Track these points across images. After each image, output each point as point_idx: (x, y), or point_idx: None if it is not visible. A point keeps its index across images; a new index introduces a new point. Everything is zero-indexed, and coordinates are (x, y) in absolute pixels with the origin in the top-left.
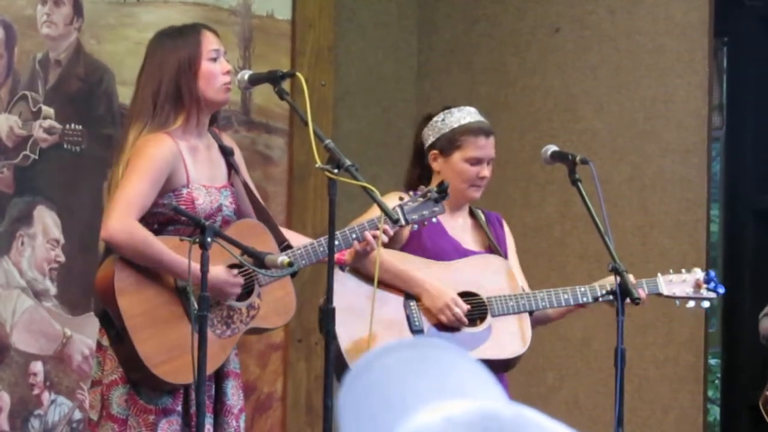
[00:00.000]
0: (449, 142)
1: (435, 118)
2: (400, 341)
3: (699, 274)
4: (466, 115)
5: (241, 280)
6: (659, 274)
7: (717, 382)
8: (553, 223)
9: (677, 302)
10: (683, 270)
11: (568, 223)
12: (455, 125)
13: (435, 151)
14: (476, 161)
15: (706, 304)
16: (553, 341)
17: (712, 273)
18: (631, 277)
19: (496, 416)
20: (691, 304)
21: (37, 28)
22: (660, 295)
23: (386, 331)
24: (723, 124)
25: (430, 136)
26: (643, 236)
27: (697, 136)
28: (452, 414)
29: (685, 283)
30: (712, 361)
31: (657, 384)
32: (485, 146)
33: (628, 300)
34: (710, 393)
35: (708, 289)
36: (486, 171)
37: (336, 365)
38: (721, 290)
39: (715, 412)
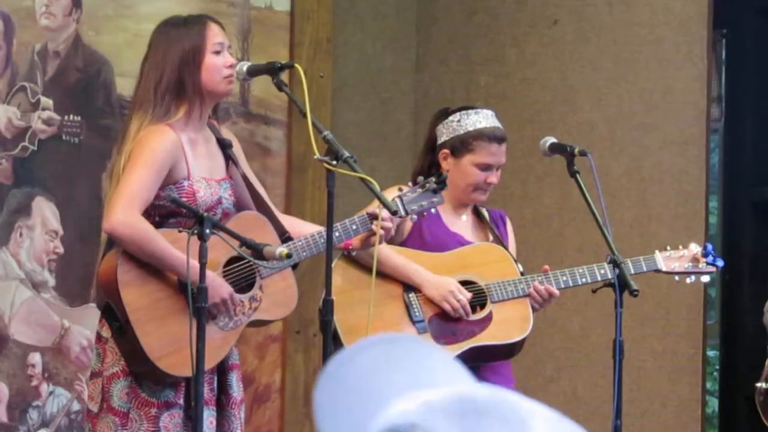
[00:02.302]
0: (462, 144)
1: (451, 117)
2: (372, 338)
3: (696, 248)
4: (482, 119)
5: (237, 299)
6: (657, 251)
7: (715, 374)
8: (551, 215)
9: (677, 278)
10: (680, 246)
11: (567, 215)
12: (470, 128)
13: (446, 150)
14: (486, 167)
15: (705, 278)
16: (552, 333)
17: (710, 246)
18: (629, 264)
19: (472, 398)
20: (691, 278)
21: (36, 19)
22: (659, 271)
23: (386, 323)
24: (722, 116)
25: (443, 134)
26: (642, 228)
27: (696, 128)
28: (429, 399)
29: (683, 258)
30: (711, 353)
31: (655, 376)
32: (497, 153)
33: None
34: (708, 385)
35: (707, 263)
36: (494, 177)
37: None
38: (720, 263)
39: (714, 404)
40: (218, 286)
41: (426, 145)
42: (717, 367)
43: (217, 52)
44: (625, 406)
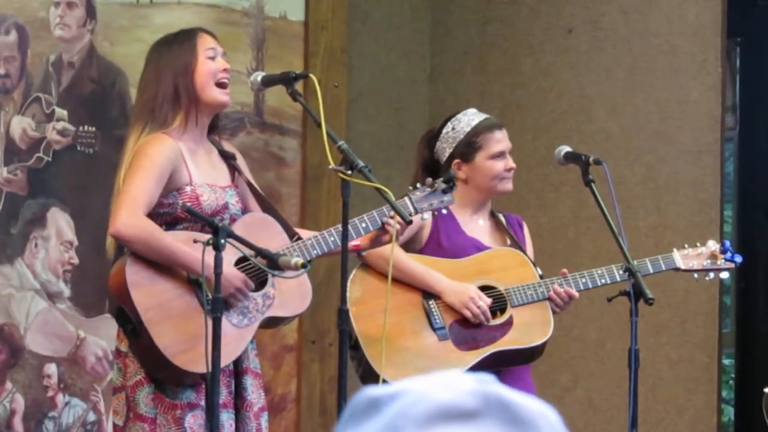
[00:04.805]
0: (468, 146)
1: (444, 131)
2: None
3: (714, 245)
4: (472, 116)
5: (251, 284)
6: (675, 250)
7: (731, 382)
8: (567, 224)
9: (695, 276)
10: (698, 243)
11: (582, 224)
12: (467, 128)
13: (457, 160)
14: (499, 155)
15: (724, 275)
16: (568, 342)
17: (728, 243)
18: (647, 263)
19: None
20: (710, 276)
21: (50, 30)
22: (677, 269)
23: (407, 331)
24: (736, 125)
25: (445, 148)
26: (657, 237)
27: (711, 136)
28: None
29: (701, 256)
30: (726, 362)
31: (671, 384)
32: (502, 138)
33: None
34: (724, 393)
35: (725, 260)
36: (511, 162)
37: (360, 367)
38: (739, 259)
39: (729, 412)
40: (227, 277)
41: (422, 167)
42: (732, 375)
43: (211, 58)
44: (641, 415)
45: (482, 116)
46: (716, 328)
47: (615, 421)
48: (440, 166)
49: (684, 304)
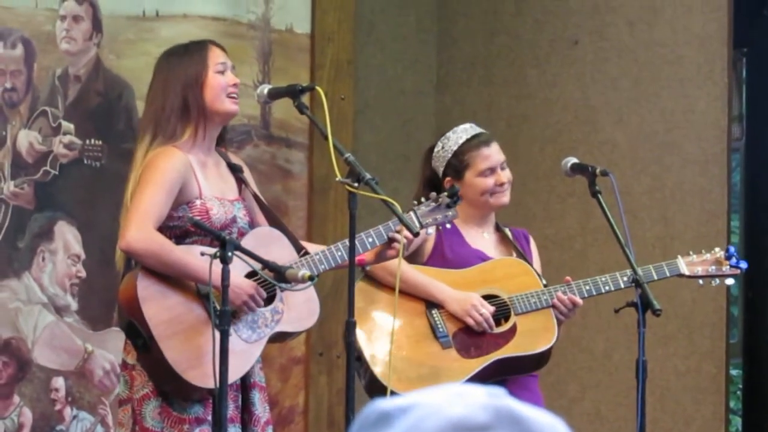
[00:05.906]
0: (457, 165)
1: (436, 150)
2: None
3: (719, 251)
4: (461, 134)
5: (263, 293)
6: (679, 256)
7: (738, 392)
8: (574, 235)
9: (700, 281)
10: (703, 250)
11: (589, 235)
12: (455, 147)
13: (448, 178)
14: (489, 171)
15: (730, 281)
16: (575, 353)
17: (732, 249)
18: (651, 270)
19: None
20: (716, 281)
21: (57, 43)
22: (682, 275)
23: (411, 341)
24: (743, 135)
25: (438, 167)
26: (664, 247)
27: (717, 147)
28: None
29: (705, 262)
30: (734, 372)
31: (679, 395)
32: (490, 154)
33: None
34: (732, 404)
35: (731, 266)
36: (503, 176)
37: (364, 378)
38: (744, 265)
39: (737, 422)
40: (239, 286)
41: (423, 184)
42: (740, 386)
43: (221, 72)
44: (648, 426)
45: (471, 133)
46: (723, 339)
47: (623, 431)
48: (437, 180)
49: (691, 314)
